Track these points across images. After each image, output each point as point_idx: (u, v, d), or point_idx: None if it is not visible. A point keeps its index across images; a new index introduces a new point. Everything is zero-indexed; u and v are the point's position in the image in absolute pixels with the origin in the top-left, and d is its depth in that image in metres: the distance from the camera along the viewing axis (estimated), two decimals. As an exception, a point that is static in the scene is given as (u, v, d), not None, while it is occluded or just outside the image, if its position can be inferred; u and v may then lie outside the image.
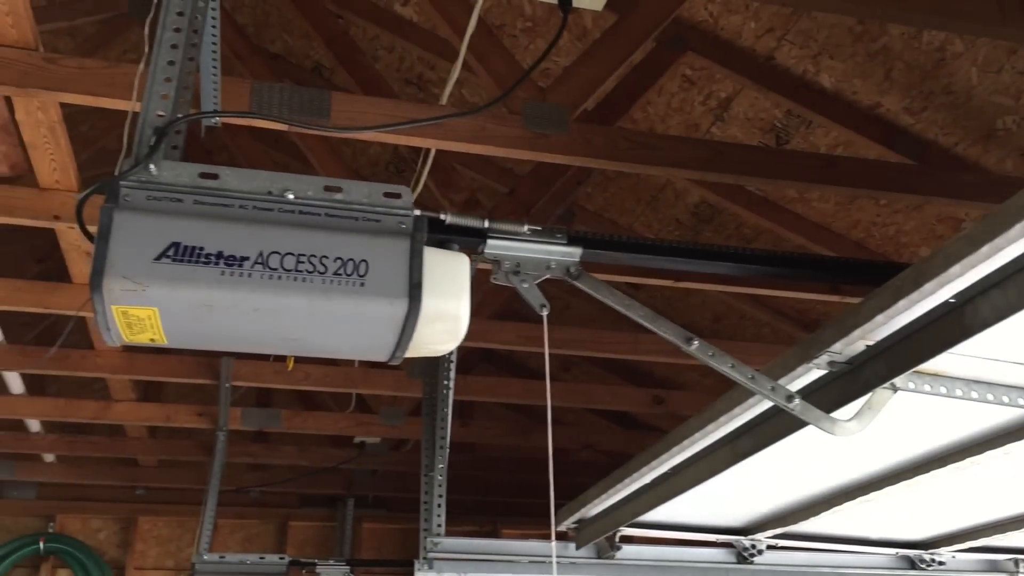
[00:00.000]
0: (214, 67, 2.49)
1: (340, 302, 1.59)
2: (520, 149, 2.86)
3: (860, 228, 4.58)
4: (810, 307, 5.18)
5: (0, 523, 7.01)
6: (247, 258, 1.57)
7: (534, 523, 6.55)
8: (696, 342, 1.84)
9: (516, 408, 6.77)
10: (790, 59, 3.81)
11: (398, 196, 1.71)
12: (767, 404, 2.12)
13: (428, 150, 3.07)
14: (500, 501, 6.85)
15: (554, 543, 3.31)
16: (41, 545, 6.87)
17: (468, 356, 5.02)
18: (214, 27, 2.39)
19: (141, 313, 1.58)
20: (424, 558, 3.66)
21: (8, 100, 2.86)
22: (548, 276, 1.86)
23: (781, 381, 1.87)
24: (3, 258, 4.90)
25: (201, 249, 1.56)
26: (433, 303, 1.65)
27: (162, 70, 1.70)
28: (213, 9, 2.35)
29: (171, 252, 1.55)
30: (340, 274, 1.60)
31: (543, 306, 1.83)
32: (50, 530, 7.02)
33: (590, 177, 4.64)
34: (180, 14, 1.74)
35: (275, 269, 1.58)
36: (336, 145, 4.12)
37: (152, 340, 1.66)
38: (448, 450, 3.70)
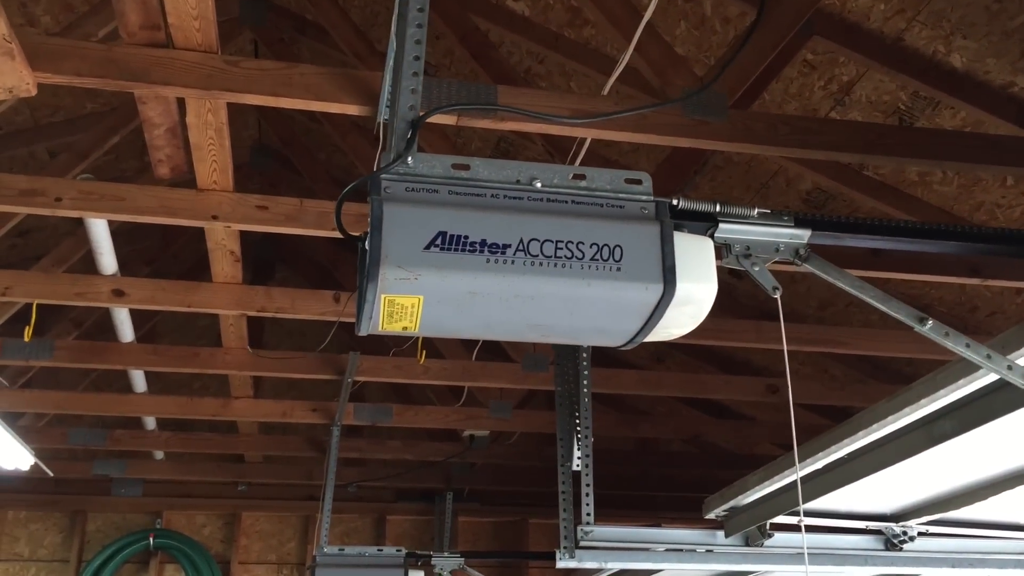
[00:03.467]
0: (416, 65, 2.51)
1: (598, 287, 1.61)
2: (681, 137, 2.86)
3: (983, 211, 4.52)
4: (924, 292, 5.12)
5: (109, 520, 7.19)
6: (509, 245, 1.60)
7: (626, 515, 6.56)
8: (930, 322, 1.84)
9: (608, 401, 6.77)
10: (920, 40, 3.76)
11: (639, 182, 1.73)
12: (974, 386, 2.10)
13: (582, 141, 3.09)
14: (607, 494, 6.85)
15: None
16: (151, 541, 7.03)
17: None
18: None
19: (407, 301, 1.61)
20: (565, 547, 3.68)
21: (180, 103, 2.93)
22: (777, 259, 1.86)
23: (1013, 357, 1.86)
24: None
25: (466, 238, 1.59)
26: (685, 287, 1.66)
27: (409, 65, 1.73)
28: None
29: (439, 241, 1.58)
30: (597, 259, 1.62)
31: (775, 288, 1.84)
32: (157, 526, 7.17)
33: (706, 165, 4.63)
34: (420, 10, 1.77)
35: (535, 256, 1.60)
36: (449, 132, 4.15)
37: (405, 328, 1.70)
38: (591, 439, 3.70)
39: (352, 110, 2.66)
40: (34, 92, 2.50)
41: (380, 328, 1.70)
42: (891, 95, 4.04)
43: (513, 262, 1.59)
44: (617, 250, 1.64)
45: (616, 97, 2.89)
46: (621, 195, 1.71)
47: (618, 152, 4.63)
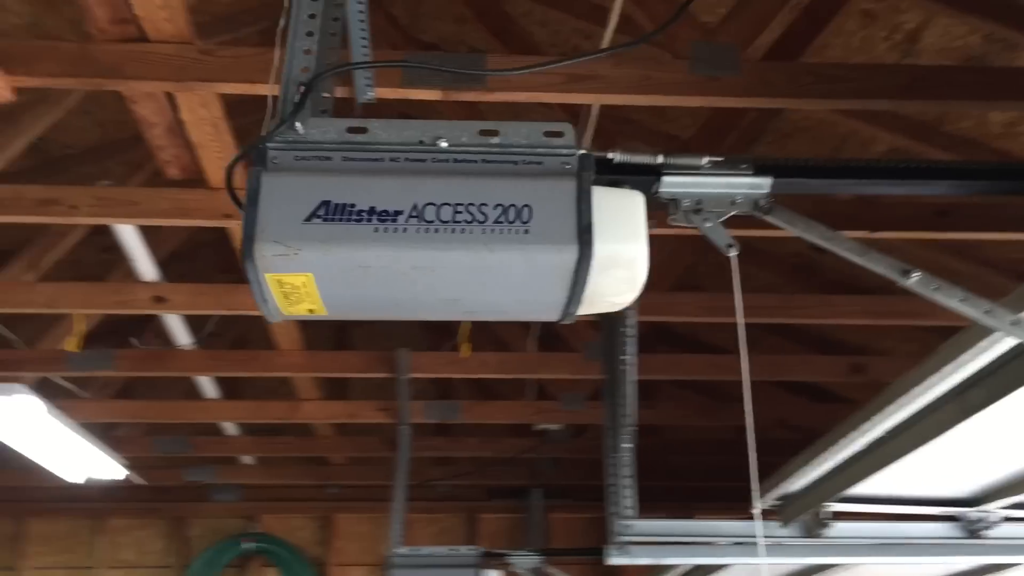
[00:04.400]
0: (364, 41, 2.40)
1: (503, 252, 1.44)
2: (688, 95, 2.64)
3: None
4: (1025, 254, 4.67)
5: (208, 525, 7.36)
6: (401, 212, 1.44)
7: (727, 507, 6.26)
8: (916, 274, 1.59)
9: (699, 388, 6.48)
10: (988, -25, 3.41)
11: (560, 134, 1.55)
12: (1004, 347, 1.82)
13: (589, 108, 2.90)
14: (690, 485, 6.59)
15: (759, 521, 3.04)
16: (248, 545, 7.15)
17: (647, 333, 4.80)
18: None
19: (296, 280, 1.48)
20: (614, 543, 3.49)
21: (171, 100, 2.89)
22: (734, 212, 1.64)
23: (1024, 315, 1.59)
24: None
25: (352, 206, 1.44)
26: (606, 247, 1.47)
27: (303, 24, 1.60)
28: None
29: (321, 212, 1.44)
30: (501, 222, 1.45)
31: (730, 246, 1.62)
32: (254, 530, 7.29)
33: (764, 134, 4.34)
34: (316, -35, 1.63)
35: (431, 222, 1.44)
36: (483, 112, 4.00)
37: (311, 311, 1.57)
38: (634, 428, 3.50)
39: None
40: (12, 98, 2.50)
41: (283, 312, 1.57)
42: (962, 40, 3.69)
43: (405, 230, 1.43)
44: (526, 210, 1.46)
45: (617, 59, 2.69)
46: (539, 150, 1.53)
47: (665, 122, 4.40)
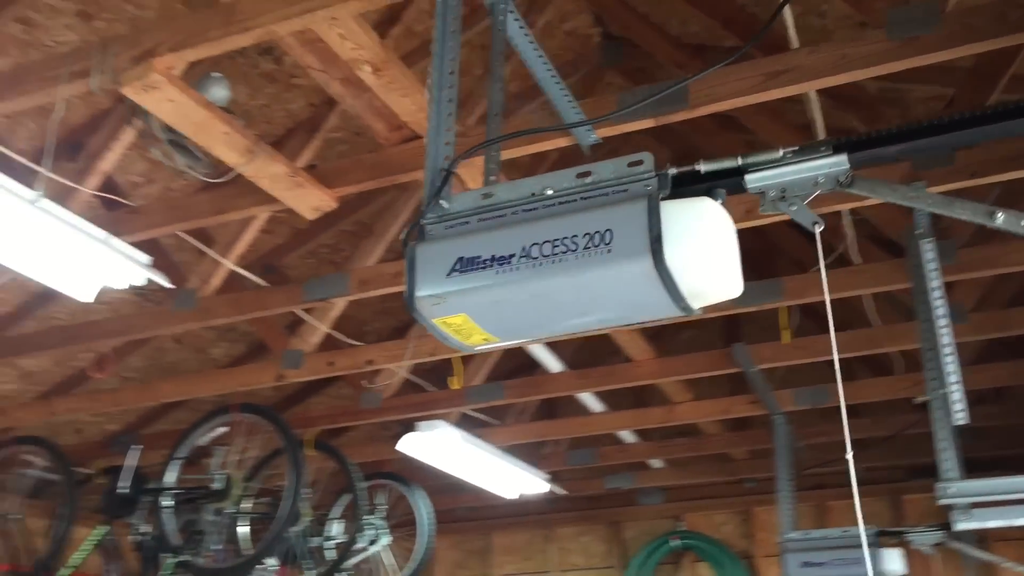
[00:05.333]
0: (559, 86, 2.79)
1: (593, 272, 1.77)
2: (888, 63, 2.67)
3: None
4: None
5: (640, 527, 7.99)
6: (512, 255, 1.84)
7: None
8: (1000, 214, 1.63)
9: None
10: None
11: (640, 163, 1.84)
12: None
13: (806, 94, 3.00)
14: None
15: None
16: (675, 543, 7.66)
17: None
18: (539, 53, 2.70)
19: (455, 320, 1.94)
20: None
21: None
22: (819, 192, 1.80)
23: None
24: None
25: (478, 257, 1.87)
26: (678, 251, 1.73)
27: (443, 121, 2.07)
28: (527, 37, 2.65)
29: (457, 266, 1.88)
30: (589, 247, 1.78)
31: (815, 223, 1.78)
32: (680, 528, 7.78)
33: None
34: (452, 73, 2.10)
35: (535, 258, 1.82)
36: (777, 109, 4.11)
37: (486, 340, 2.01)
38: (954, 390, 3.43)
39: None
40: (335, 205, 3.28)
41: (467, 344, 2.03)
42: None
43: (517, 269, 1.83)
44: (607, 234, 1.77)
45: (811, 46, 2.79)
46: (624, 180, 1.84)
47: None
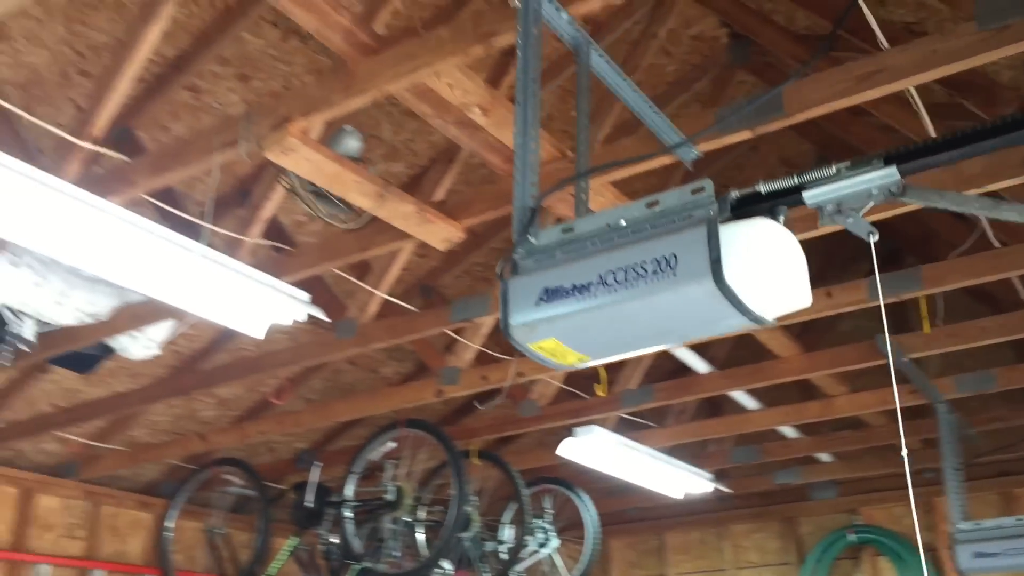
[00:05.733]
0: (652, 110, 2.94)
1: (662, 294, 1.94)
2: (980, 55, 2.68)
3: None
4: None
5: (815, 522, 7.90)
6: (591, 283, 2.03)
7: None
8: (1044, 212, 1.69)
9: None
10: None
11: (702, 190, 1.99)
12: None
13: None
14: None
15: None
16: (852, 537, 7.53)
17: None
18: (629, 84, 2.86)
19: (548, 344, 2.15)
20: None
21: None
22: (873, 203, 1.89)
23: None
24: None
25: (561, 287, 2.07)
26: (738, 270, 1.88)
27: (529, 166, 2.29)
28: (615, 71, 2.82)
29: (544, 296, 2.09)
30: (657, 272, 1.95)
31: (870, 233, 1.88)
32: (856, 522, 7.64)
33: None
34: (534, 127, 2.31)
35: (610, 285, 2.00)
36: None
37: (580, 359, 2.21)
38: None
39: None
40: (463, 236, 3.55)
41: (564, 364, 2.23)
42: None
43: (596, 295, 2.02)
44: (673, 258, 1.94)
45: (900, 45, 2.82)
46: (688, 206, 2.00)
47: None
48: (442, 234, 3.50)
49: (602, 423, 5.89)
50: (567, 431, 5.77)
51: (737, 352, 6.05)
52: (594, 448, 5.77)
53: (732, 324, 2.02)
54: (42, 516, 6.62)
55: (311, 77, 4.41)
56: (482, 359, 5.21)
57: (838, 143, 5.46)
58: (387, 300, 4.60)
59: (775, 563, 8.04)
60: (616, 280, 1.99)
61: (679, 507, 7.79)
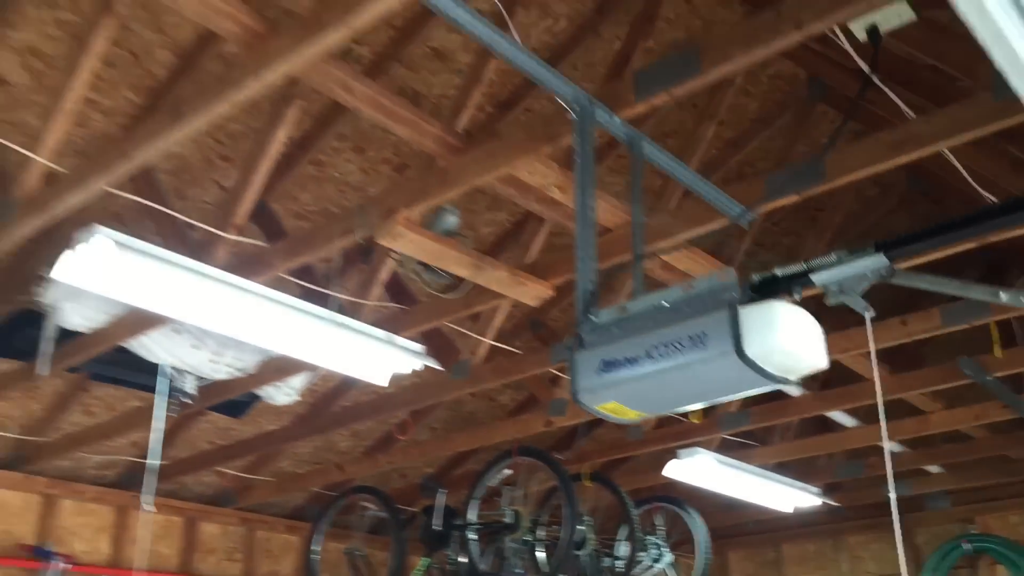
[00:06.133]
0: (705, 184, 3.35)
1: (697, 365, 2.37)
2: (996, 122, 2.97)
3: None
4: None
5: (931, 532, 8.00)
6: (639, 356, 2.48)
7: None
8: (1004, 294, 2.04)
9: None
10: None
11: (727, 278, 2.41)
12: None
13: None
14: None
15: None
16: (966, 547, 7.60)
17: None
18: (682, 166, 3.28)
19: (611, 405, 2.60)
20: None
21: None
22: (868, 284, 2.27)
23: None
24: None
25: (617, 360, 2.52)
26: (757, 346, 2.29)
27: (587, 252, 2.74)
28: (667, 156, 3.25)
29: (603, 367, 2.55)
30: (691, 347, 2.38)
31: (866, 308, 2.26)
32: (972, 531, 7.71)
33: None
34: (591, 211, 2.77)
35: (655, 358, 2.45)
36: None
37: (637, 415, 2.65)
38: None
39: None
40: (552, 294, 4.02)
41: (625, 418, 2.68)
42: None
43: (643, 366, 2.46)
44: (703, 336, 2.37)
45: (926, 115, 3.15)
46: (716, 289, 2.42)
47: None
48: (533, 293, 3.99)
49: (707, 444, 6.25)
50: (674, 452, 6.15)
51: (831, 375, 6.30)
52: (698, 468, 6.13)
53: (758, 387, 2.43)
54: (205, 541, 7.43)
55: (415, 158, 4.96)
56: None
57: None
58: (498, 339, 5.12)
59: (892, 573, 8.15)
60: (660, 354, 2.44)
61: (794, 519, 8.02)
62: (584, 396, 2.58)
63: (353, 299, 4.28)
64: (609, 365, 2.54)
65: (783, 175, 3.41)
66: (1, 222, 3.48)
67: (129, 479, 6.91)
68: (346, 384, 6.32)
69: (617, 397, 2.56)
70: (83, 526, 6.78)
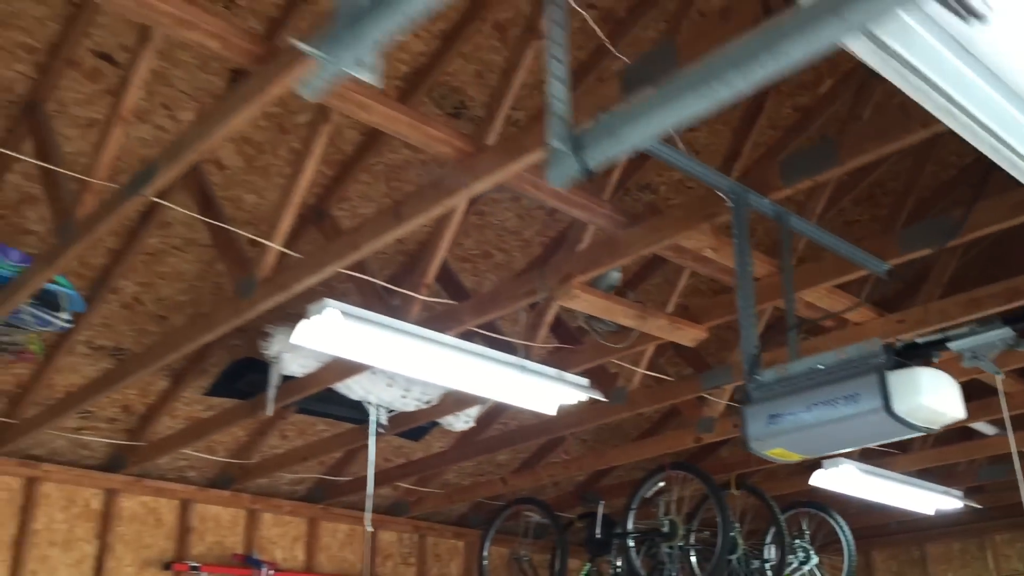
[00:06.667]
0: (848, 246, 3.80)
1: (851, 419, 2.86)
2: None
3: None
4: None
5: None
6: (801, 411, 2.98)
7: None
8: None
9: None
10: None
11: (875, 346, 2.89)
12: None
13: None
14: None
15: None
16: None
17: None
18: (825, 233, 3.74)
19: (777, 451, 3.11)
20: None
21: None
22: (997, 351, 2.72)
23: None
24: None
25: (780, 414, 3.03)
26: (904, 405, 2.77)
27: (749, 318, 3.26)
28: (812, 225, 3.72)
29: (770, 420, 3.06)
30: (846, 404, 2.87)
31: (997, 373, 2.71)
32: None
33: None
34: (749, 279, 3.28)
35: (814, 413, 2.94)
36: None
37: (801, 457, 3.16)
38: None
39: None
40: (706, 335, 4.54)
41: (791, 461, 3.18)
42: None
43: (805, 418, 2.96)
44: (856, 395, 2.86)
45: None
46: (866, 356, 2.90)
47: None
48: (690, 335, 4.51)
49: (848, 454, 6.63)
50: (817, 462, 6.55)
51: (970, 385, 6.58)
52: (842, 477, 6.51)
53: (904, 436, 2.91)
54: (383, 547, 8.23)
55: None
56: (733, 410, 6.14)
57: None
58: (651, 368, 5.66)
59: (1038, 571, 8.33)
60: (819, 409, 2.94)
61: (938, 519, 8.26)
62: (755, 444, 3.10)
63: (531, 344, 4.89)
64: (775, 418, 3.05)
65: (917, 229, 3.83)
66: (247, 298, 4.21)
67: (317, 493, 7.76)
68: (508, 407, 6.97)
69: (782, 444, 3.07)
70: (281, 536, 7.65)
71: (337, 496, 7.80)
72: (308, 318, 4.10)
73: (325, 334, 4.16)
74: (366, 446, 7.30)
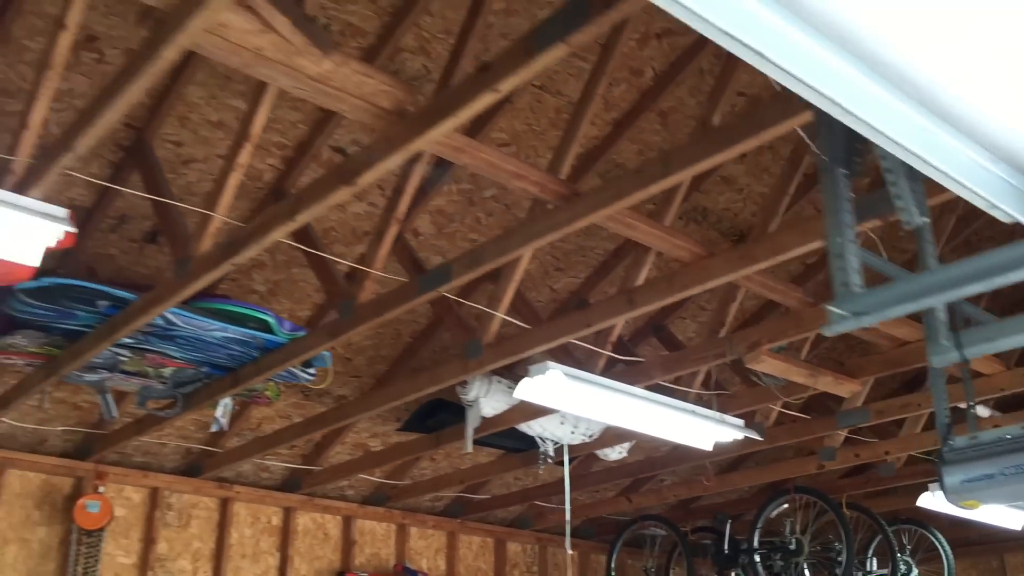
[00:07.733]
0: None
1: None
2: None
3: None
4: None
5: None
6: (994, 474, 3.71)
7: None
8: None
9: None
10: None
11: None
12: None
13: None
14: None
15: None
16: None
17: None
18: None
19: (970, 503, 3.86)
20: None
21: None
22: None
23: None
24: None
25: (974, 476, 3.77)
26: None
27: (943, 403, 4.00)
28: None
29: (965, 480, 3.79)
30: (1003, 478, 3.60)
31: None
32: None
33: None
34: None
35: (1005, 475, 3.68)
36: None
37: (982, 505, 3.90)
38: None
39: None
40: (860, 389, 5.28)
41: (975, 509, 3.92)
42: None
43: (996, 478, 3.69)
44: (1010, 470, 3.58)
45: None
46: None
47: None
48: (848, 389, 5.27)
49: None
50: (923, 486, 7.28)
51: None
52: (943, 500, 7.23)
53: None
54: (510, 558, 9.04)
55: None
56: (853, 441, 6.88)
57: None
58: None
59: None
60: (1007, 473, 3.68)
61: (1018, 532, 8.95)
62: (952, 498, 3.85)
63: (690, 390, 5.66)
64: (968, 480, 3.80)
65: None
66: (474, 359, 4.99)
67: (456, 509, 8.58)
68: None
69: (974, 497, 3.82)
70: (426, 548, 8.48)
71: (472, 512, 8.62)
72: (531, 377, 4.88)
73: (546, 390, 4.95)
74: (503, 470, 8.14)
